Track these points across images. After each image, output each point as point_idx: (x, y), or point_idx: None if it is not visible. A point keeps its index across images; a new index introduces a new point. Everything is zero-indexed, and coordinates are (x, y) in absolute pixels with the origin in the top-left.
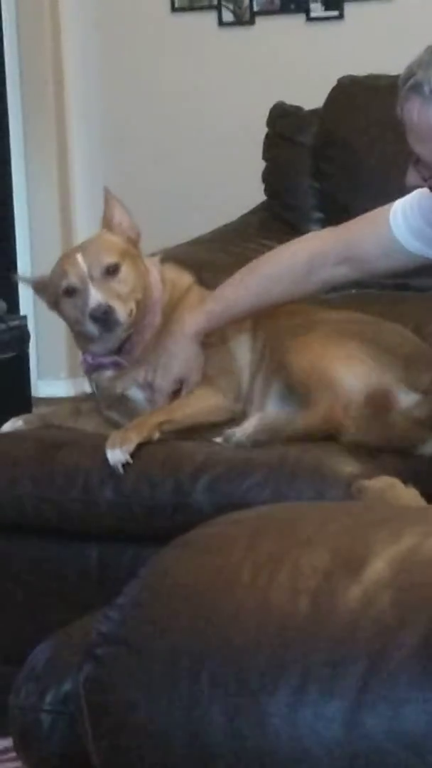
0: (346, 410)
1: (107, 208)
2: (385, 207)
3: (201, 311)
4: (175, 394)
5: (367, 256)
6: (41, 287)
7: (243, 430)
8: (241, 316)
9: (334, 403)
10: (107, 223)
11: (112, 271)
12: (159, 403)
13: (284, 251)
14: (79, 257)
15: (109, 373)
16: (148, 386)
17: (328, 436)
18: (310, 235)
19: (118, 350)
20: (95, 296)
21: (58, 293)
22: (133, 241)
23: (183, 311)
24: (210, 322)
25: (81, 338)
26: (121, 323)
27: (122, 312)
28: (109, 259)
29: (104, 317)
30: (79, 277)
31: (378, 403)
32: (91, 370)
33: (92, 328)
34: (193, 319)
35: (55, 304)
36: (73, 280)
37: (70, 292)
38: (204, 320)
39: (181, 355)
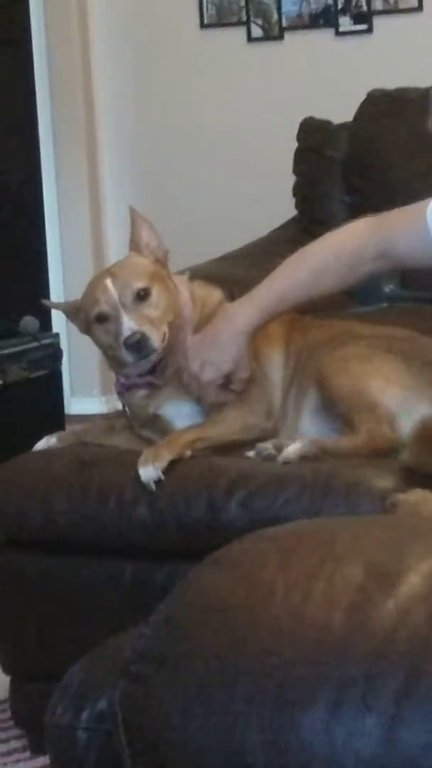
0: (390, 430)
1: (134, 229)
2: (423, 203)
3: (253, 307)
4: (222, 387)
5: (403, 254)
6: (73, 313)
7: (289, 454)
8: (289, 310)
9: (377, 424)
10: (135, 245)
11: (143, 296)
12: (209, 397)
13: (329, 243)
14: (109, 283)
15: (141, 393)
16: (195, 380)
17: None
18: (350, 226)
19: (151, 370)
20: (128, 324)
21: (89, 320)
22: (162, 262)
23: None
24: (263, 318)
25: (115, 362)
26: (155, 349)
27: (156, 338)
28: (140, 284)
29: (138, 345)
30: (111, 305)
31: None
32: (124, 390)
33: (127, 355)
34: (246, 316)
35: (87, 330)
36: (104, 307)
37: (102, 319)
38: (257, 317)
39: (233, 350)
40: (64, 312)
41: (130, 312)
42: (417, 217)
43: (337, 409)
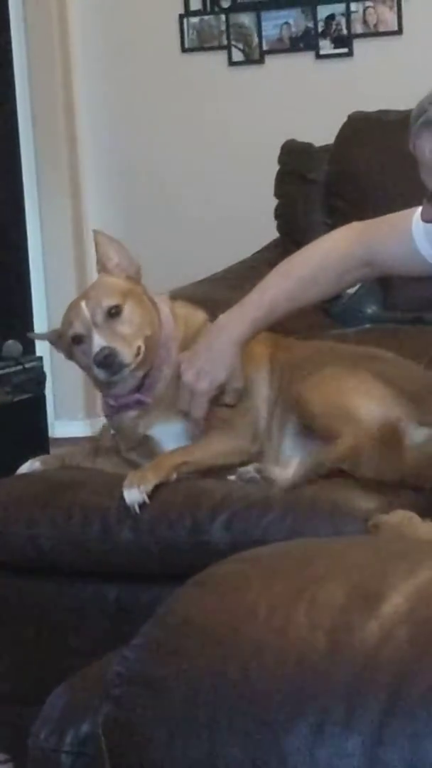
0: (366, 440)
1: (100, 251)
2: (408, 212)
3: (244, 318)
4: (214, 401)
5: (388, 262)
6: (55, 339)
7: (283, 481)
8: (279, 319)
9: (357, 432)
10: (103, 266)
11: (114, 313)
12: (200, 407)
13: (315, 252)
14: (83, 304)
15: (131, 414)
16: (187, 389)
17: (344, 472)
18: (336, 234)
19: (138, 388)
20: (98, 341)
21: (69, 342)
22: (135, 279)
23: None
24: (255, 329)
25: (98, 383)
26: (126, 364)
27: (126, 353)
28: (110, 302)
29: (107, 361)
30: (84, 324)
31: (389, 438)
32: (114, 412)
33: (98, 372)
34: (238, 327)
35: (70, 354)
36: (78, 328)
37: (78, 340)
38: (249, 328)
39: (226, 361)
40: (49, 341)
41: (101, 330)
42: (403, 225)
43: (317, 428)
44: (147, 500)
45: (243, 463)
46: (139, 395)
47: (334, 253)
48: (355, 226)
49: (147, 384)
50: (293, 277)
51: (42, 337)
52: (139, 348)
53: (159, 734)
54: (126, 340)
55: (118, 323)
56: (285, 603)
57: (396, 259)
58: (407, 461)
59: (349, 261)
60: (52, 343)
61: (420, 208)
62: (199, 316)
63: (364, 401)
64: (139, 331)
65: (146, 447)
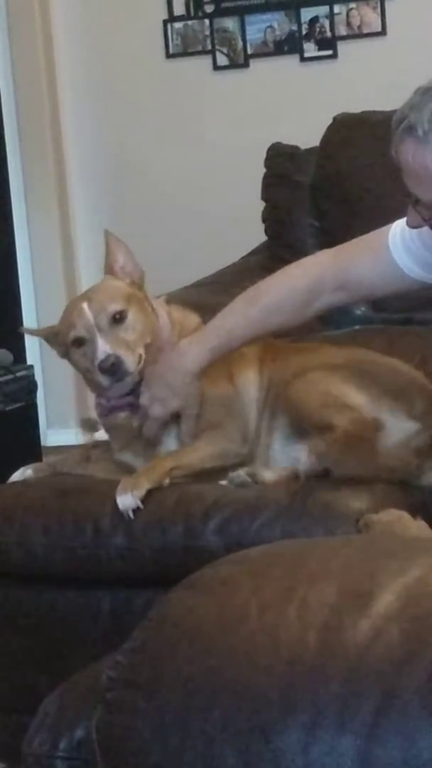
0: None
1: (109, 252)
2: (383, 230)
3: (203, 346)
4: (165, 425)
5: (365, 281)
6: (51, 337)
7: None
8: (241, 346)
9: (354, 415)
10: (110, 268)
11: (118, 319)
12: (150, 430)
13: (283, 279)
14: (85, 306)
15: (123, 416)
16: (143, 413)
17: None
18: (307, 260)
19: (131, 392)
20: (103, 348)
21: (67, 344)
22: (138, 284)
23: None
24: (213, 356)
25: (94, 384)
26: (130, 372)
27: (131, 361)
28: (115, 307)
29: (112, 369)
30: (86, 328)
31: (359, 434)
32: (106, 413)
33: (102, 378)
34: (195, 355)
35: (65, 354)
36: (81, 331)
37: (79, 343)
38: (207, 356)
39: (181, 390)
40: (43, 337)
41: (106, 335)
42: (378, 242)
43: (308, 424)
44: (141, 505)
45: (237, 465)
46: (131, 398)
47: (304, 279)
48: (327, 251)
49: (141, 387)
50: (257, 305)
51: (36, 333)
52: (140, 356)
53: (152, 738)
54: (130, 348)
55: (122, 329)
56: (276, 603)
57: (374, 276)
58: (389, 456)
59: (319, 287)
60: (46, 341)
61: (395, 224)
62: (193, 319)
63: (353, 393)
64: (141, 338)
65: (139, 445)
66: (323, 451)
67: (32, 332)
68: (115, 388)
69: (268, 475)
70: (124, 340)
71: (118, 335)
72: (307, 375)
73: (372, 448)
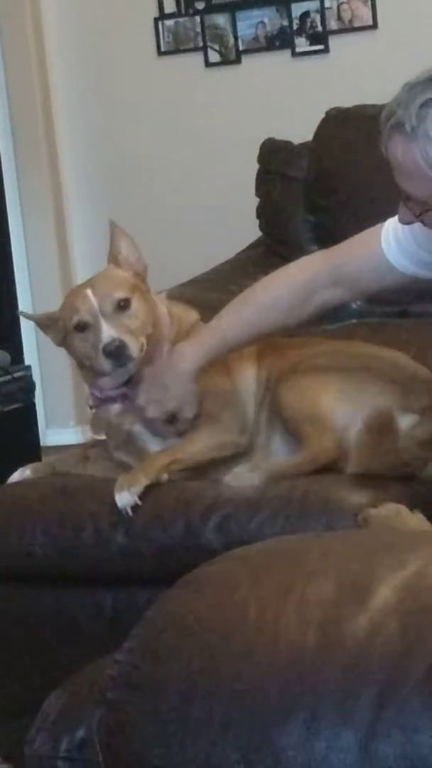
0: (342, 443)
1: (114, 242)
2: (377, 227)
3: (201, 347)
4: (169, 422)
5: (358, 276)
6: (48, 324)
7: (250, 479)
8: (239, 347)
9: (325, 440)
10: (114, 258)
11: (122, 306)
12: (155, 430)
13: (278, 278)
14: (89, 293)
15: (116, 408)
16: (139, 412)
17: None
18: (303, 260)
19: (126, 382)
20: (108, 331)
21: (67, 329)
22: (141, 276)
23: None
24: (210, 357)
25: (90, 373)
26: (133, 358)
27: (134, 347)
28: (120, 294)
29: (117, 352)
30: (91, 313)
31: (378, 429)
32: (99, 403)
33: (105, 363)
34: (194, 356)
35: (63, 341)
36: (84, 316)
37: (81, 327)
38: (203, 358)
39: (177, 391)
40: (39, 322)
41: (110, 320)
42: (371, 239)
43: (291, 431)
44: (138, 502)
45: (235, 457)
46: (125, 388)
47: (299, 276)
48: (323, 251)
49: (135, 380)
50: (253, 304)
51: (33, 317)
52: (142, 344)
53: (153, 737)
54: (133, 334)
55: (126, 316)
56: (274, 600)
57: (367, 273)
58: (397, 449)
59: (312, 285)
60: (42, 326)
61: (388, 222)
62: (192, 316)
63: (338, 400)
64: (143, 327)
65: (132, 445)
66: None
67: (29, 316)
68: (114, 375)
69: (270, 474)
70: (127, 326)
71: (122, 321)
72: (298, 379)
73: (387, 442)
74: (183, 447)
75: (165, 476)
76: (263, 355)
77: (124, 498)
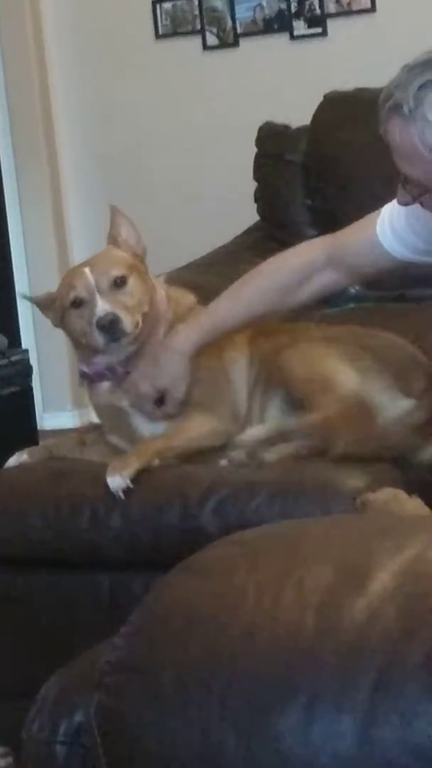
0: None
1: (114, 225)
2: (374, 213)
3: (196, 327)
4: (159, 403)
5: (354, 261)
6: (48, 304)
7: (252, 436)
8: (237, 329)
9: (333, 404)
10: (113, 239)
11: (119, 283)
12: (144, 408)
13: (276, 262)
14: (87, 270)
15: (106, 385)
16: (132, 389)
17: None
18: (301, 244)
19: (124, 364)
20: (102, 306)
21: (65, 306)
22: (140, 258)
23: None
24: (205, 338)
25: (85, 351)
26: (127, 333)
27: (128, 322)
28: (117, 272)
29: (110, 326)
30: (87, 289)
31: (360, 413)
32: (87, 379)
33: (98, 337)
34: (189, 336)
35: (61, 319)
36: (81, 292)
37: (78, 303)
38: (199, 337)
39: (170, 369)
40: (39, 303)
41: (106, 296)
42: (368, 227)
43: (299, 396)
44: (130, 485)
45: (227, 445)
46: (117, 366)
47: (296, 259)
48: (322, 237)
49: (132, 360)
50: (251, 287)
51: (33, 299)
52: (138, 322)
53: (151, 722)
54: (128, 311)
55: (122, 293)
56: (273, 585)
57: (363, 256)
58: (386, 433)
59: (309, 267)
60: (42, 306)
61: (384, 208)
62: (190, 299)
63: (343, 368)
64: (140, 305)
65: (123, 426)
66: (315, 427)
67: (29, 298)
68: (108, 350)
69: (268, 456)
70: (123, 302)
71: (117, 297)
72: (300, 345)
73: (369, 425)
74: (175, 434)
75: (156, 461)
76: (255, 340)
77: (116, 481)
